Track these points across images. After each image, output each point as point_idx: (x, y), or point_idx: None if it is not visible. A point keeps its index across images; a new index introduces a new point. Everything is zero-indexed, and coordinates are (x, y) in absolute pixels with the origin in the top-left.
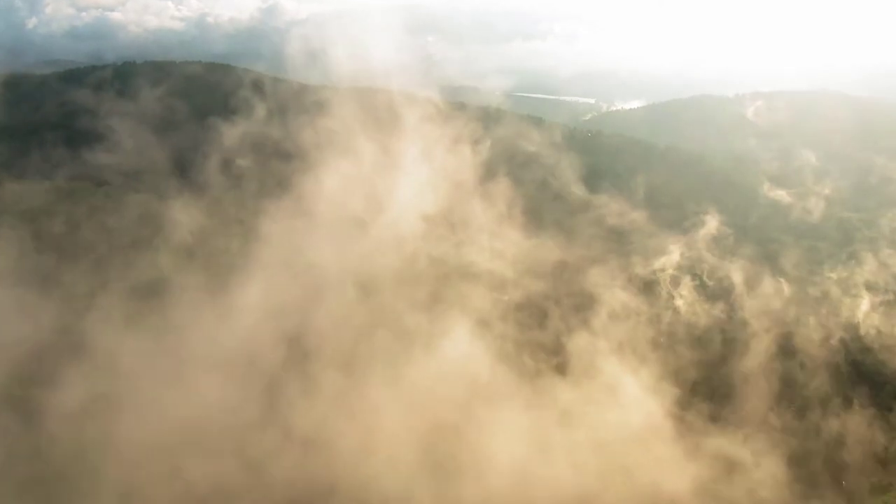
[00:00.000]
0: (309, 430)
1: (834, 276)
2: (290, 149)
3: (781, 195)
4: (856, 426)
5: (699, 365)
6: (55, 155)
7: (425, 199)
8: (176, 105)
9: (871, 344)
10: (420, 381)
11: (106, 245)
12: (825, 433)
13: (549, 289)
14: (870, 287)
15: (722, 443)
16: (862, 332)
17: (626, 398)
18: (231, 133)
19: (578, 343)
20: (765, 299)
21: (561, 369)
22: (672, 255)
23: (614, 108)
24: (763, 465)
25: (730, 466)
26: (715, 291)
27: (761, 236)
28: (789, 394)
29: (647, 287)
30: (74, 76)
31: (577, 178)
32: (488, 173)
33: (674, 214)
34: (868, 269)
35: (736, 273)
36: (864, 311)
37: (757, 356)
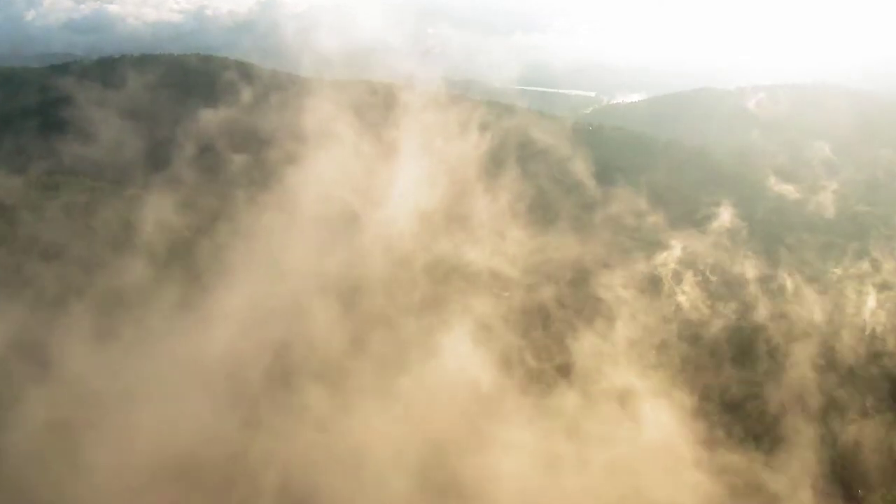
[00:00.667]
0: (293, 451)
1: (853, 271)
2: (281, 142)
3: (789, 190)
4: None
5: (714, 371)
6: (29, 146)
7: (422, 195)
8: (157, 98)
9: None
10: (415, 394)
11: (74, 245)
12: (844, 443)
13: (552, 287)
14: (888, 286)
15: (741, 459)
16: (878, 332)
17: (638, 408)
18: (217, 126)
19: (584, 347)
20: (782, 300)
21: (566, 374)
22: (679, 251)
23: (615, 102)
24: (787, 482)
25: (752, 486)
26: (728, 291)
27: (771, 232)
28: (807, 400)
29: (656, 286)
30: (57, 70)
31: (581, 172)
32: (488, 168)
33: (680, 210)
34: (888, 267)
35: (751, 271)
36: (871, 308)
37: (775, 362)
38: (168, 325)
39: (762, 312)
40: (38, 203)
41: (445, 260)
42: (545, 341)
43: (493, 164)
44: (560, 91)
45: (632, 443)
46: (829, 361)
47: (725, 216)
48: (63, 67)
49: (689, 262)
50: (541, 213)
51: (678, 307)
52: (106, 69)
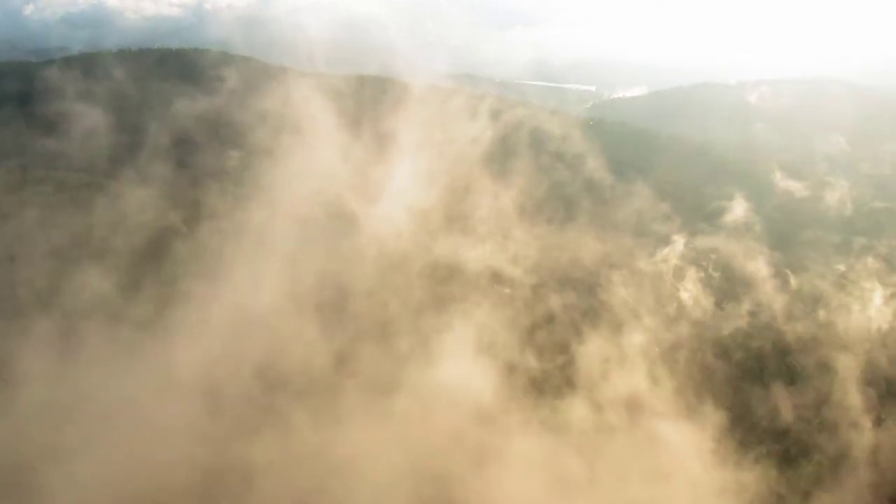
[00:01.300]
0: (276, 480)
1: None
2: (275, 137)
3: (797, 187)
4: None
5: (728, 378)
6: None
7: (419, 193)
8: (146, 91)
9: None
10: (411, 410)
11: (37, 248)
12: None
13: (557, 287)
14: None
15: (757, 476)
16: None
17: (649, 418)
18: (205, 120)
19: (590, 351)
20: (800, 302)
21: (571, 382)
22: (686, 248)
23: (615, 97)
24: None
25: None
26: (742, 291)
27: (781, 229)
28: (822, 408)
29: (661, 286)
30: (42, 63)
31: (584, 168)
32: (488, 164)
33: (684, 205)
34: None
35: (764, 270)
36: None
37: (800, 372)
38: (141, 338)
39: (780, 316)
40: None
41: (445, 261)
42: (548, 345)
43: (494, 160)
44: (560, 85)
45: (643, 456)
46: (864, 372)
47: (737, 212)
48: (49, 61)
49: (694, 259)
50: (542, 209)
51: (684, 306)
52: (91, 62)
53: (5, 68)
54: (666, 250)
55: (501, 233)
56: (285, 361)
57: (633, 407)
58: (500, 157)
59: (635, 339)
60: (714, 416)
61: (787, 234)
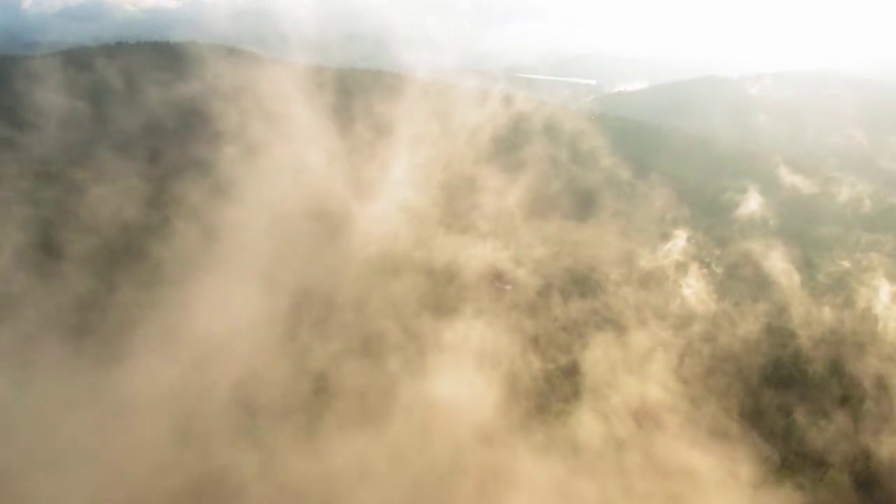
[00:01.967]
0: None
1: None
2: (268, 132)
3: (806, 182)
4: None
5: (745, 383)
6: None
7: (413, 190)
8: (135, 85)
9: None
10: (406, 431)
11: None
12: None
13: (560, 286)
14: None
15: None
16: None
17: (660, 429)
18: (190, 115)
19: (595, 355)
20: (819, 304)
21: (577, 389)
22: (692, 244)
23: (616, 91)
24: None
25: None
26: (757, 292)
27: (792, 225)
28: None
29: (669, 284)
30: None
31: (586, 163)
32: (487, 159)
33: (689, 200)
34: None
35: (780, 266)
36: None
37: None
38: (108, 353)
39: (797, 316)
40: None
41: (444, 262)
42: (550, 349)
43: (492, 156)
44: (560, 79)
45: (656, 472)
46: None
47: (750, 206)
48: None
49: (698, 255)
50: (543, 206)
51: (691, 306)
52: (77, 56)
53: None
54: (668, 246)
55: (503, 230)
56: (264, 380)
57: (642, 415)
58: (500, 153)
59: (643, 342)
60: (728, 421)
61: (797, 230)
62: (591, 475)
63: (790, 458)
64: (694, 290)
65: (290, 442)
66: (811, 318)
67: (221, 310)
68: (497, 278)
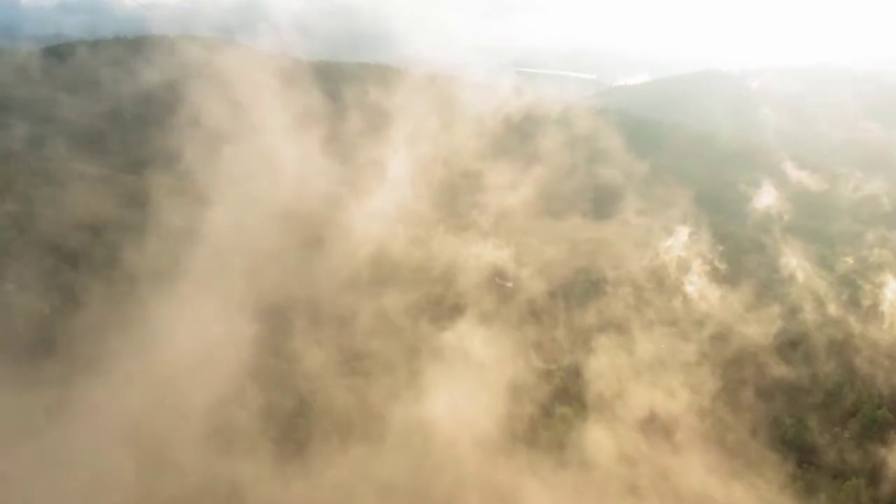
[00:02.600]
0: None
1: None
2: (266, 126)
3: (813, 179)
4: None
5: (760, 392)
6: None
7: (411, 188)
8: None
9: None
10: (398, 455)
11: None
12: None
13: (563, 287)
14: None
15: None
16: None
17: (672, 442)
18: (178, 109)
19: (600, 363)
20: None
21: (582, 401)
22: (702, 241)
23: (617, 85)
24: None
25: None
26: (771, 292)
27: (796, 221)
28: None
29: (674, 284)
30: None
31: (589, 159)
32: (486, 156)
33: (694, 196)
34: None
35: (793, 263)
36: None
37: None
38: (69, 372)
39: (809, 316)
40: None
41: (441, 266)
42: (553, 357)
43: (493, 154)
44: (561, 73)
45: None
46: None
47: (761, 202)
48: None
49: (708, 255)
50: (547, 204)
51: (695, 306)
52: (59, 50)
53: None
54: (672, 243)
55: (504, 229)
56: (241, 402)
57: (653, 427)
58: (499, 150)
59: (651, 347)
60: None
61: (810, 227)
62: (602, 498)
63: (809, 471)
64: (701, 290)
65: (269, 469)
66: (827, 320)
67: (195, 323)
68: (498, 275)
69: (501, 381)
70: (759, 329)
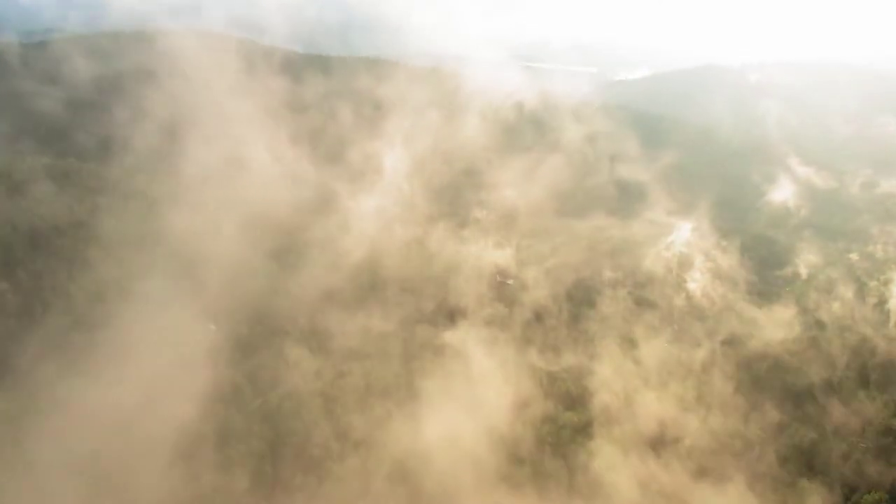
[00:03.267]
0: None
1: None
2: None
3: (821, 175)
4: None
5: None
6: None
7: (407, 183)
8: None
9: None
10: (385, 490)
11: None
12: None
13: (565, 289)
14: None
15: None
16: None
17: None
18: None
19: (606, 371)
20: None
21: (586, 419)
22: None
23: (617, 79)
24: None
25: None
26: (784, 291)
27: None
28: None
29: (676, 283)
30: None
31: (590, 155)
32: (486, 153)
33: (697, 193)
34: None
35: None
36: None
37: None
38: (19, 401)
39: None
40: None
41: (440, 262)
42: (557, 369)
43: (492, 151)
44: (560, 67)
45: None
46: None
47: (769, 198)
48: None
49: (714, 253)
50: (547, 203)
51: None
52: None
53: None
54: (675, 240)
55: (505, 229)
56: (209, 432)
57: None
58: (499, 147)
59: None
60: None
61: (825, 224)
62: None
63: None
64: (705, 289)
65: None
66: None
67: (158, 344)
68: (499, 272)
69: (503, 403)
70: (774, 334)
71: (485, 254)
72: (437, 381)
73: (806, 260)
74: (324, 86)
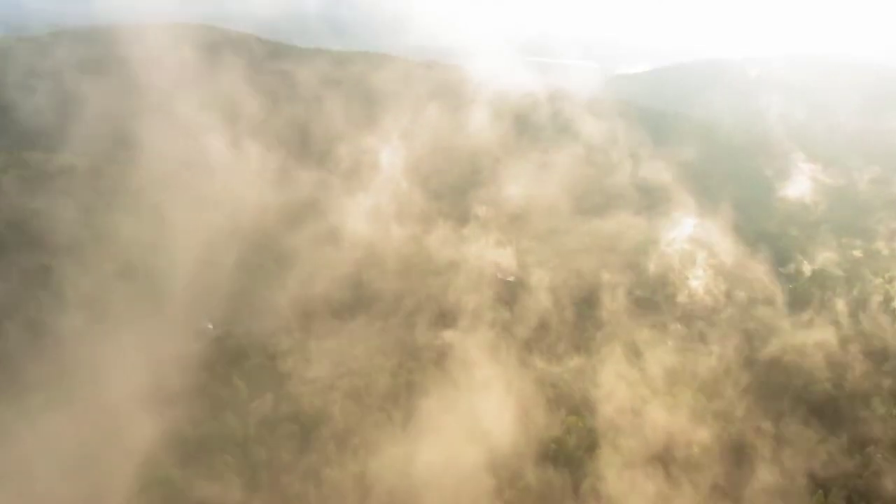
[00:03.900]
0: None
1: None
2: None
3: (827, 172)
4: None
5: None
6: None
7: (403, 185)
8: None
9: None
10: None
11: None
12: None
13: (567, 291)
14: None
15: None
16: None
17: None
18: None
19: (612, 381)
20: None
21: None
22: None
23: (618, 73)
24: None
25: None
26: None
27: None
28: None
29: (680, 282)
30: None
31: (592, 151)
32: (484, 151)
33: (699, 191)
34: None
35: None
36: None
37: None
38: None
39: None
40: None
41: (439, 263)
42: (560, 382)
43: (491, 150)
44: (561, 62)
45: None
46: None
47: (776, 195)
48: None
49: (719, 252)
50: (548, 202)
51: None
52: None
53: None
54: (678, 237)
55: (505, 229)
56: (183, 454)
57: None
58: (498, 144)
59: (666, 360)
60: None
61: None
62: None
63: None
64: (708, 287)
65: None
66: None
67: (127, 363)
68: (499, 270)
69: (505, 417)
70: (786, 339)
71: (486, 252)
72: (433, 400)
73: (826, 258)
74: (322, 78)
